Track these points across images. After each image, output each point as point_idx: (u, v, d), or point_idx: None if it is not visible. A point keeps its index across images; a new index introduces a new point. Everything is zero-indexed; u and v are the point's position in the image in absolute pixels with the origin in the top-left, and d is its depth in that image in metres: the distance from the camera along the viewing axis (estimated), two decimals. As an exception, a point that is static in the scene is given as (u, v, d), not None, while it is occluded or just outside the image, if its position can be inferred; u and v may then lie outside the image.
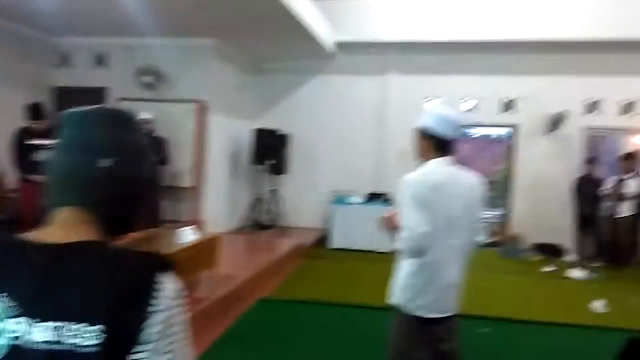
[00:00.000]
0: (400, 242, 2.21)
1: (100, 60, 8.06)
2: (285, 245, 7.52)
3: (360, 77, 9.21)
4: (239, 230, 8.60)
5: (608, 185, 7.80)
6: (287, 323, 4.76)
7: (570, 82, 8.64)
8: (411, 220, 2.17)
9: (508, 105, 8.96)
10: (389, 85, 9.15)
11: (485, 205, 2.41)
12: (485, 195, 2.41)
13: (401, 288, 2.32)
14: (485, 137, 12.38)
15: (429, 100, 9.16)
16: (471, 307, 5.20)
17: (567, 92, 8.62)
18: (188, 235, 4.42)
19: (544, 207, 8.76)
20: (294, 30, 7.31)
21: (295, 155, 9.29)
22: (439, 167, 2.28)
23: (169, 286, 0.90)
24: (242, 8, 6.31)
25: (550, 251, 8.32)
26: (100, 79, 7.96)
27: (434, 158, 2.30)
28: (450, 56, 8.93)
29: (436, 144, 2.29)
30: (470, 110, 9.06)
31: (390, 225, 2.32)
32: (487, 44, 8.57)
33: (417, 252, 2.20)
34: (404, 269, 2.34)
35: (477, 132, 11.90)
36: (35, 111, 5.80)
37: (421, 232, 2.15)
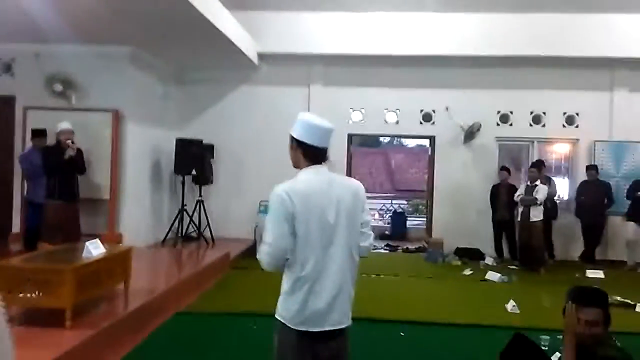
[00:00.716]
0: (260, 256, 2.15)
1: (6, 67, 7.58)
2: (210, 257, 7.34)
3: (285, 88, 9.24)
4: (164, 243, 8.30)
5: (519, 191, 8.21)
6: (202, 336, 4.60)
7: (485, 95, 9.11)
8: (270, 235, 2.12)
9: (427, 117, 9.29)
10: (313, 97, 9.24)
11: (367, 209, 2.30)
12: (365, 198, 2.29)
13: (281, 302, 2.22)
14: (419, 148, 12.79)
15: (353, 112, 9.34)
16: (388, 312, 5.35)
17: (482, 104, 9.08)
18: (95, 249, 4.19)
19: (463, 213, 9.12)
20: (214, 40, 7.23)
21: (220, 165, 9.14)
22: (308, 176, 2.20)
23: None
24: (158, 16, 6.16)
25: (471, 255, 8.64)
26: (7, 87, 7.49)
27: (305, 166, 2.23)
28: (372, 69, 9.17)
29: (305, 153, 2.22)
30: (394, 121, 9.32)
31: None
32: (407, 58, 8.90)
33: (277, 266, 2.15)
34: (284, 283, 2.23)
35: (408, 143, 12.26)
36: None
37: (279, 247, 2.11)
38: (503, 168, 8.77)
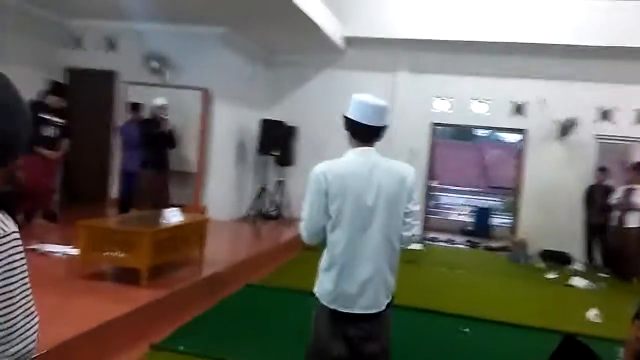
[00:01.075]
0: (300, 230, 2.19)
1: (110, 44, 8.15)
2: (285, 235, 7.51)
3: (370, 73, 9.14)
4: (243, 219, 8.60)
5: (617, 194, 7.61)
6: (268, 308, 4.74)
7: (584, 88, 8.47)
8: (306, 211, 2.15)
9: (518, 109, 8.81)
10: (398, 83, 9.08)
11: (416, 199, 2.21)
12: (415, 188, 2.20)
13: (318, 280, 2.23)
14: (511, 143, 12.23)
15: (439, 100, 9.08)
16: (455, 306, 5.18)
17: (580, 98, 8.46)
18: (173, 217, 4.42)
19: (553, 214, 8.59)
20: (303, 24, 7.32)
21: (302, 147, 9.27)
22: (350, 157, 2.18)
23: None
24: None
25: (557, 258, 8.15)
26: (110, 62, 8.06)
27: (353, 146, 2.20)
28: (461, 56, 8.83)
29: (353, 131, 2.18)
30: (483, 112, 8.95)
31: None
32: (499, 45, 8.46)
33: (316, 240, 2.19)
34: (322, 260, 2.23)
35: (505, 137, 11.77)
36: (56, 88, 5.92)
37: (313, 222, 2.13)
38: (600, 168, 8.15)
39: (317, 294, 2.21)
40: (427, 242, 8.94)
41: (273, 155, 8.66)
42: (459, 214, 13.18)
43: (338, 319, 2.14)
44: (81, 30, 8.21)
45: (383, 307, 2.17)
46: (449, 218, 12.31)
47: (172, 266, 4.60)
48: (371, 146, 2.18)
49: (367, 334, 2.16)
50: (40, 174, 5.88)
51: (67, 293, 3.76)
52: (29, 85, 5.87)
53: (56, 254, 4.64)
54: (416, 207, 2.22)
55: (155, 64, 7.65)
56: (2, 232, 0.94)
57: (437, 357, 4.01)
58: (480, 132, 23.55)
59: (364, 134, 2.17)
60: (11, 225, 0.97)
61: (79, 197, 7.69)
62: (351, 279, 2.11)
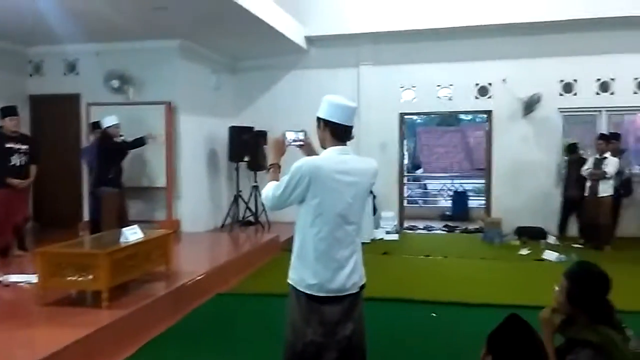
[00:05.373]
0: (267, 198, 2.42)
1: (70, 67, 8.18)
2: (260, 240, 7.56)
3: (334, 70, 9.21)
4: (221, 228, 8.65)
5: (587, 165, 7.70)
6: (239, 315, 4.80)
7: (545, 64, 8.56)
8: (281, 190, 2.34)
9: (483, 91, 8.89)
10: (363, 77, 9.14)
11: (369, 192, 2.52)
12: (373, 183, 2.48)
13: (292, 266, 2.40)
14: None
15: (404, 90, 9.15)
16: (423, 293, 5.25)
17: (542, 74, 8.55)
18: (132, 234, 4.47)
19: (525, 190, 8.71)
20: (261, 30, 7.38)
21: (268, 152, 9.30)
22: (332, 154, 2.35)
23: None
24: (198, 8, 6.34)
25: (532, 234, 8.23)
26: (72, 85, 8.09)
27: (331, 145, 2.37)
28: (422, 44, 8.91)
29: (333, 131, 2.36)
30: (447, 98, 9.03)
31: (277, 146, 2.54)
32: (459, 30, 8.55)
33: (272, 209, 2.52)
34: (296, 249, 2.40)
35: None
36: (6, 111, 5.94)
37: (281, 202, 2.36)
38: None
39: (291, 282, 2.39)
40: (405, 230, 9.02)
41: (244, 161, 8.70)
42: (445, 200, 13.31)
43: (313, 302, 2.31)
44: (40, 56, 8.23)
45: (357, 289, 2.39)
46: (429, 205, 12.41)
47: (136, 284, 4.65)
48: (346, 144, 2.39)
49: (342, 316, 2.34)
50: (13, 205, 5.92)
51: (24, 322, 3.81)
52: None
53: (20, 284, 4.68)
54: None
55: (115, 83, 7.68)
56: None
57: (407, 344, 4.07)
58: (463, 116, 23.65)
59: (343, 133, 2.37)
60: None
61: (53, 223, 7.72)
62: (328, 264, 2.30)
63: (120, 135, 6.51)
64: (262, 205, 8.67)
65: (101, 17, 6.37)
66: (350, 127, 2.38)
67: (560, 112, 8.66)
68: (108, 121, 6.51)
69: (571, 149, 8.26)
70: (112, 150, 6.46)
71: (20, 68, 8.17)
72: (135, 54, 7.78)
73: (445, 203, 12.69)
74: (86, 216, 7.75)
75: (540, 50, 8.51)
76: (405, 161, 11.39)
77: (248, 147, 8.58)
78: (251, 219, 8.82)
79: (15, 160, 5.95)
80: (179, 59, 7.84)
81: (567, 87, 8.60)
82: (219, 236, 8.19)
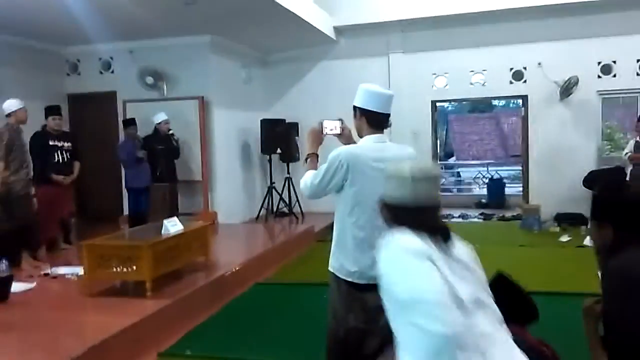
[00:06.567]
0: (305, 186, 2.43)
1: (106, 66, 8.36)
2: (295, 231, 7.62)
3: (364, 60, 9.15)
4: (256, 220, 8.74)
5: (627, 149, 7.48)
6: (277, 305, 4.85)
7: (581, 45, 8.31)
8: (319, 178, 2.35)
9: (517, 76, 8.71)
10: (394, 65, 9.07)
11: None
12: None
13: (332, 253, 2.41)
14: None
15: (436, 77, 9.03)
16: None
17: (579, 56, 8.31)
18: (172, 227, 4.56)
19: (564, 176, 8.47)
20: (291, 22, 7.40)
21: (304, 142, 9.33)
22: (368, 143, 2.36)
23: None
24: (228, 2, 6.40)
25: (573, 220, 8.04)
26: (107, 83, 8.28)
27: (367, 134, 2.38)
28: (453, 30, 8.76)
29: (369, 120, 2.36)
30: (481, 83, 8.88)
31: (314, 136, 2.54)
32: (491, 14, 8.35)
33: (310, 198, 2.48)
34: (336, 237, 2.41)
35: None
36: (49, 110, 6.13)
37: (321, 189, 2.37)
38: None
39: (332, 269, 2.40)
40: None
41: (277, 153, 8.77)
42: (479, 187, 13.13)
43: (354, 290, 2.31)
44: (76, 55, 8.45)
45: None
46: (463, 193, 12.25)
47: (178, 275, 4.75)
48: (383, 132, 2.40)
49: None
50: (58, 201, 6.12)
51: (73, 312, 3.95)
52: (40, 117, 6.13)
53: (66, 276, 4.85)
54: None
55: (150, 79, 7.82)
56: None
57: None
58: (496, 102, 23.18)
59: (379, 121, 2.37)
60: None
61: (96, 218, 7.94)
62: (367, 252, 2.25)
63: (169, 130, 6.77)
64: (296, 196, 8.79)
65: (133, 15, 6.48)
66: (387, 115, 2.38)
67: (599, 94, 8.41)
68: (158, 117, 6.77)
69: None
70: (159, 151, 6.85)
71: (58, 68, 8.40)
72: (168, 50, 7.90)
73: (480, 191, 12.50)
74: (126, 210, 7.94)
75: (577, 31, 8.26)
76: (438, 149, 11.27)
77: (280, 139, 8.64)
78: (285, 210, 8.89)
79: (59, 157, 6.13)
80: (210, 54, 7.94)
81: (606, 69, 8.34)
82: (254, 227, 8.29)
